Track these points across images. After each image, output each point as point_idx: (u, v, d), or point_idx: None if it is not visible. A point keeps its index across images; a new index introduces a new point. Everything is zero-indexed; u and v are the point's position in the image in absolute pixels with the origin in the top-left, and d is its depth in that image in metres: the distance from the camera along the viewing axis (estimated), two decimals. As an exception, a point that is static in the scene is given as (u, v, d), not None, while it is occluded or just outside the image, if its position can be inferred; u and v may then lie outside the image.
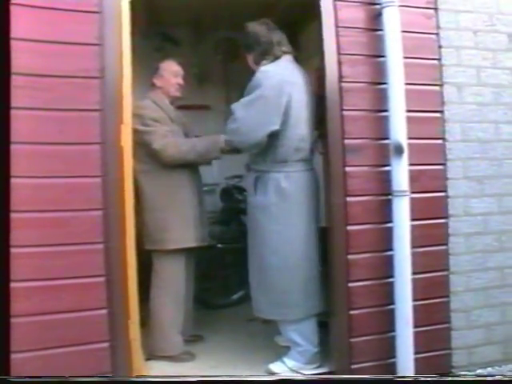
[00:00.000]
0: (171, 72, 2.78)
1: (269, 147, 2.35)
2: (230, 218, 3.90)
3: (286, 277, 2.36)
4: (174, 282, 2.69)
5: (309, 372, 2.39)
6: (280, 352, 2.58)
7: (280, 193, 2.35)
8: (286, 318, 2.40)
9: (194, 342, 2.88)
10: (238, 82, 4.05)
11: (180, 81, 2.81)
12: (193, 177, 2.78)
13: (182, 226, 2.66)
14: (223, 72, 4.44)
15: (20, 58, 1.88)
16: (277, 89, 2.30)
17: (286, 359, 2.44)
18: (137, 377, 2.01)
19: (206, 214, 2.94)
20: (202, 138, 2.73)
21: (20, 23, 1.88)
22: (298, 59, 2.56)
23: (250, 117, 2.31)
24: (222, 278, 3.70)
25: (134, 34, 2.13)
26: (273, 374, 2.39)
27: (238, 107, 2.36)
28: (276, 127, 2.29)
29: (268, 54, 2.43)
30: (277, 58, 2.42)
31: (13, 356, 1.83)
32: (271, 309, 2.41)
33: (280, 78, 2.33)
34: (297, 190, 2.38)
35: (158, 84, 2.77)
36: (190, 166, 2.76)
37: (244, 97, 2.37)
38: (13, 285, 1.85)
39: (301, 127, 2.37)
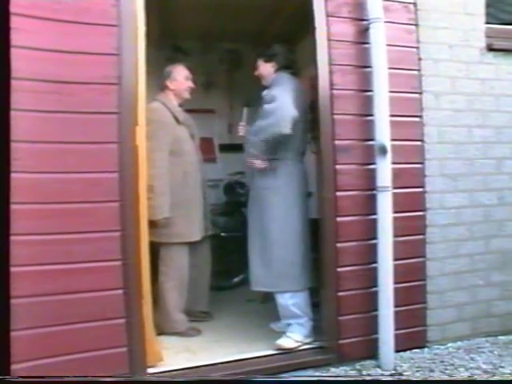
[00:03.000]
0: (184, 76, 2.75)
1: (283, 138, 2.37)
2: (233, 210, 3.89)
3: (291, 251, 2.36)
4: (178, 270, 2.68)
5: (308, 344, 2.38)
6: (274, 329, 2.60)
7: (289, 176, 2.41)
8: (288, 289, 2.37)
9: (203, 319, 2.87)
10: (240, 89, 4.08)
11: (191, 84, 2.79)
12: (196, 174, 2.75)
13: (186, 222, 2.64)
14: (227, 80, 4.41)
15: (47, 66, 1.86)
16: (295, 89, 2.41)
17: (290, 334, 2.39)
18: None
19: (209, 207, 2.92)
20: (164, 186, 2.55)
21: (48, 35, 1.86)
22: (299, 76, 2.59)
23: (287, 102, 2.30)
24: (224, 263, 3.69)
25: (148, 45, 2.10)
26: (283, 349, 2.32)
27: (277, 94, 2.35)
28: (296, 115, 2.32)
29: (286, 68, 2.54)
30: (290, 73, 2.53)
31: (39, 330, 1.83)
32: (274, 281, 2.37)
33: (294, 83, 2.46)
34: (299, 176, 2.45)
35: (171, 87, 2.73)
36: (193, 165, 2.73)
37: (271, 88, 2.45)
38: (39, 268, 1.84)
39: (302, 126, 2.43)
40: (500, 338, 2.60)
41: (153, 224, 2.46)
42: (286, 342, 2.35)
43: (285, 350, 2.32)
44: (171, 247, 2.65)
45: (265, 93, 2.50)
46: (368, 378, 2.15)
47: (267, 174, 2.42)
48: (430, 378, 2.14)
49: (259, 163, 2.39)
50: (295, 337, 2.37)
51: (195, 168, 2.75)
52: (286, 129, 2.26)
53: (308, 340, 2.39)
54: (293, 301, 2.38)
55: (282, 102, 2.29)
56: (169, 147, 2.59)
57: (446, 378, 2.14)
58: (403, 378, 2.14)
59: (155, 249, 2.61)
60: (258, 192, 2.47)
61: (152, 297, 2.17)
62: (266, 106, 2.34)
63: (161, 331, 2.55)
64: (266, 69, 2.57)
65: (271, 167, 2.40)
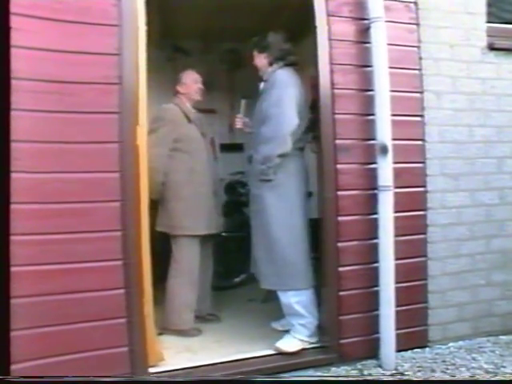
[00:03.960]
0: (192, 79, 2.83)
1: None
2: (234, 210, 3.89)
3: (293, 249, 2.34)
4: (187, 265, 2.69)
5: (312, 344, 2.36)
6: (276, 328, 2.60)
7: (288, 173, 2.36)
8: (293, 287, 2.34)
9: (211, 321, 2.88)
10: (241, 89, 4.07)
11: (200, 86, 2.85)
12: (205, 171, 2.76)
13: (189, 216, 2.65)
14: (228, 79, 4.42)
15: (48, 66, 1.86)
16: (293, 88, 2.35)
17: (292, 335, 2.36)
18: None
19: (221, 205, 2.95)
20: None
21: (49, 35, 1.86)
22: (297, 67, 2.55)
23: (290, 113, 2.30)
24: (225, 262, 3.68)
25: (149, 45, 2.10)
26: (283, 352, 2.29)
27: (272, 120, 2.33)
28: (297, 121, 2.31)
29: (282, 59, 2.48)
30: (285, 65, 2.47)
31: (39, 330, 1.83)
32: (279, 280, 2.35)
33: (292, 80, 2.39)
34: (298, 173, 2.42)
35: (181, 91, 2.80)
36: (202, 162, 2.74)
37: (272, 86, 2.38)
38: (40, 268, 1.84)
39: (301, 121, 2.37)
40: (501, 337, 2.59)
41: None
42: (286, 346, 2.31)
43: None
44: (181, 242, 2.67)
45: (262, 86, 2.48)
46: (369, 378, 2.15)
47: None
48: (431, 378, 2.14)
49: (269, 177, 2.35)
50: (297, 338, 2.34)
51: (204, 165, 2.76)
52: (288, 146, 2.30)
53: (310, 341, 2.37)
54: (296, 299, 2.35)
55: (284, 116, 2.28)
56: (171, 145, 2.65)
57: (447, 377, 2.13)
58: (404, 378, 2.13)
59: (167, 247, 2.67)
60: (258, 190, 2.42)
61: (154, 295, 2.16)
62: (265, 130, 2.31)
63: (162, 329, 2.57)
64: (260, 60, 2.54)
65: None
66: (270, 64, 2.50)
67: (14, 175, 1.78)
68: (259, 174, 2.34)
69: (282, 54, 2.49)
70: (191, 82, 2.81)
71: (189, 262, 2.69)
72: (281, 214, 2.34)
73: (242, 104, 2.69)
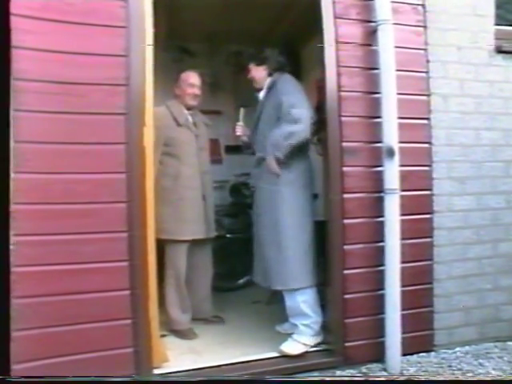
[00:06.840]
0: (187, 84, 2.76)
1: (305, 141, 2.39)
2: (238, 211, 3.89)
3: (303, 247, 2.35)
4: (174, 269, 2.69)
5: (317, 346, 2.36)
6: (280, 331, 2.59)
7: (300, 170, 2.40)
8: (301, 285, 2.33)
9: (216, 323, 2.89)
10: (246, 91, 4.07)
11: (195, 91, 2.77)
12: (194, 175, 2.73)
13: (175, 220, 2.64)
14: (233, 81, 4.42)
15: (56, 68, 1.87)
16: (302, 91, 2.43)
17: (296, 337, 2.35)
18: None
19: (212, 210, 2.89)
20: None
21: (56, 37, 1.87)
22: (299, 71, 2.56)
23: (307, 106, 2.35)
24: (229, 264, 3.68)
25: (155, 46, 2.11)
26: (287, 355, 2.29)
27: (298, 99, 2.37)
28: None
29: (279, 69, 2.54)
30: (283, 73, 2.54)
31: (44, 330, 1.84)
32: (290, 279, 2.34)
33: (298, 83, 2.47)
34: (307, 171, 2.44)
35: (176, 92, 2.78)
36: (191, 166, 2.72)
37: (281, 89, 2.42)
38: (46, 268, 1.85)
39: None
40: (509, 343, 2.57)
41: None
42: (290, 349, 2.30)
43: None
44: (170, 245, 2.68)
45: (263, 94, 2.50)
46: (371, 379, 2.14)
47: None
48: (432, 378, 2.12)
49: (276, 167, 2.33)
50: (302, 339, 2.33)
51: (193, 169, 2.72)
52: (309, 133, 2.33)
53: (315, 341, 2.36)
54: (303, 298, 2.34)
55: (305, 108, 2.31)
56: (161, 149, 2.63)
57: (448, 378, 2.12)
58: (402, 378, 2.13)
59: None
60: (268, 187, 2.41)
61: (159, 297, 2.17)
62: (294, 111, 2.28)
63: (166, 332, 2.57)
64: (258, 72, 2.58)
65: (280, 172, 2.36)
66: (269, 75, 2.55)
67: (20, 176, 1.79)
68: (275, 148, 2.29)
69: (279, 65, 2.56)
70: (186, 86, 2.75)
71: (175, 266, 2.69)
72: (293, 213, 2.35)
73: (241, 112, 2.72)
